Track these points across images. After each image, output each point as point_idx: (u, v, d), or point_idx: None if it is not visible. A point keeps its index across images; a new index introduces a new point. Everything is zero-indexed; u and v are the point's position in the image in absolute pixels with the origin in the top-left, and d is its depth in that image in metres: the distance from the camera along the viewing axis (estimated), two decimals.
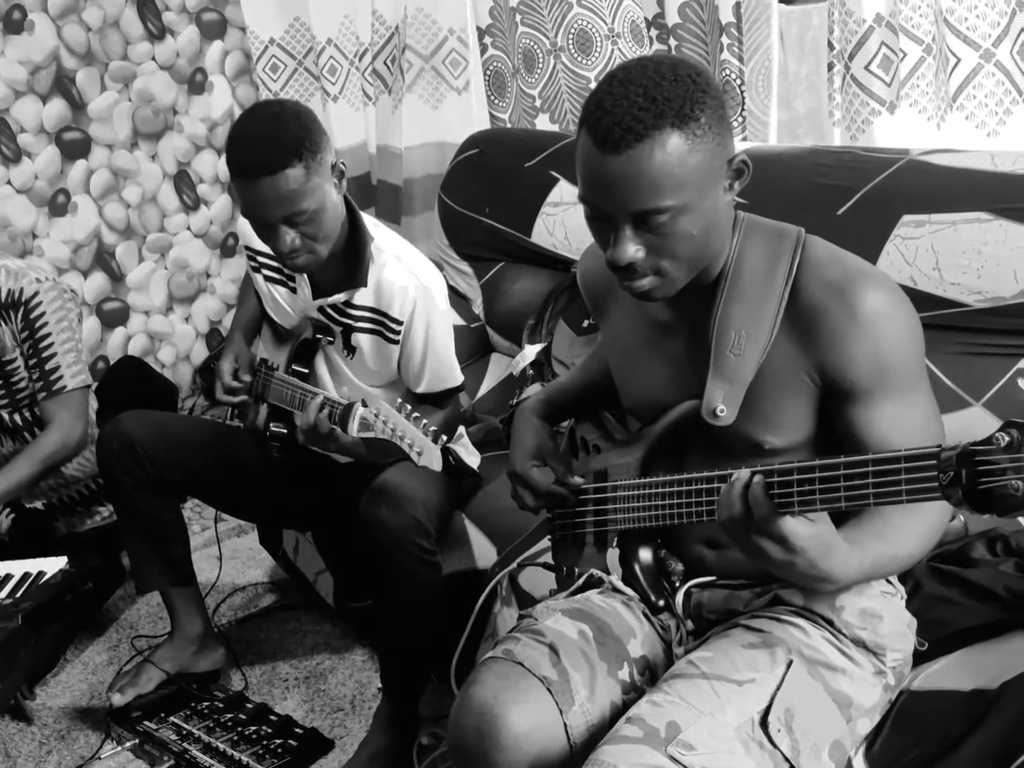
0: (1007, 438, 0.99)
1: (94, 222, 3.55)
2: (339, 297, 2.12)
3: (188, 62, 3.67)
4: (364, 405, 1.93)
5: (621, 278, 1.36)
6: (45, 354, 2.46)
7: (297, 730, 2.26)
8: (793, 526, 1.17)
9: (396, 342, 2.13)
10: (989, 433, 1.01)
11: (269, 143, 1.90)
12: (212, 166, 3.80)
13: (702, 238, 1.33)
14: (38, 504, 2.66)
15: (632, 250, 1.31)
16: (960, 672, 1.53)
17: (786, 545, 1.18)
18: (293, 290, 2.22)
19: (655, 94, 1.25)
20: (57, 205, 3.45)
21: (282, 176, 1.89)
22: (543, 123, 3.21)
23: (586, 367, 1.79)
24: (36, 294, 2.44)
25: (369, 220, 2.16)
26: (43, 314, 2.45)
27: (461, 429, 2.37)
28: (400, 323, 2.11)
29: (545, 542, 1.85)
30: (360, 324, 2.14)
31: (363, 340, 2.15)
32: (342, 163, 2.01)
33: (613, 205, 1.30)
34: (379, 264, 2.10)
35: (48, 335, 2.46)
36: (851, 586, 1.37)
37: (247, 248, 2.29)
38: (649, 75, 1.27)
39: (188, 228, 3.80)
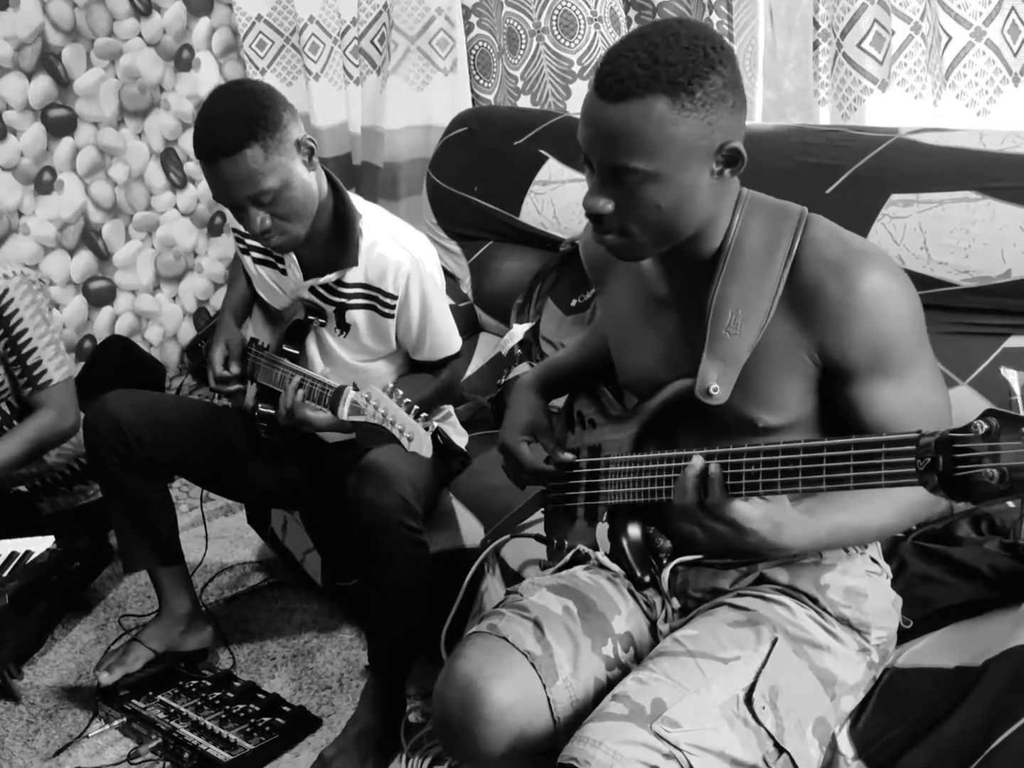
0: (985, 426, 1.00)
1: (80, 200, 3.53)
2: (330, 277, 2.11)
3: (175, 39, 3.64)
4: (355, 389, 1.93)
5: (593, 227, 1.37)
6: (25, 351, 2.42)
7: (285, 708, 2.26)
8: (742, 510, 1.22)
9: (391, 316, 2.12)
10: (972, 416, 1.01)
11: (224, 124, 1.89)
12: None
13: (670, 212, 1.32)
14: (21, 488, 2.64)
15: (601, 202, 1.32)
16: (944, 650, 1.54)
17: (735, 527, 1.22)
18: (283, 271, 2.21)
19: (659, 55, 1.25)
20: (43, 183, 3.43)
21: (240, 157, 1.88)
22: (524, 105, 3.19)
23: (586, 343, 1.79)
24: (6, 291, 2.39)
25: (357, 198, 2.15)
26: (16, 311, 2.40)
27: (449, 408, 2.37)
28: (395, 298, 2.10)
29: (537, 516, 1.86)
30: (353, 301, 2.13)
31: (358, 316, 2.15)
32: (309, 139, 1.98)
33: (593, 152, 1.32)
34: (369, 241, 2.09)
35: (25, 331, 2.42)
36: (809, 552, 1.42)
37: (234, 230, 2.27)
38: (667, 35, 1.27)
39: (175, 207, 3.77)
